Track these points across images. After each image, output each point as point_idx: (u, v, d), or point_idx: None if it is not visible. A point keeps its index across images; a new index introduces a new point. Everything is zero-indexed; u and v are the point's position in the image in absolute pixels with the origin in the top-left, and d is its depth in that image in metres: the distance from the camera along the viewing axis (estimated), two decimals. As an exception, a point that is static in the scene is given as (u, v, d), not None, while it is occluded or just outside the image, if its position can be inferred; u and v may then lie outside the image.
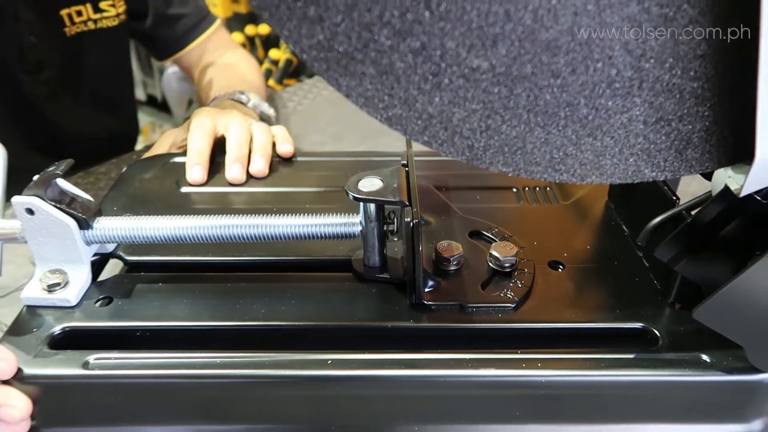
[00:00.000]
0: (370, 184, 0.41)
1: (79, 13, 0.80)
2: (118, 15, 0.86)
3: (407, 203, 0.39)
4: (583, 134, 0.30)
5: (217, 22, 0.98)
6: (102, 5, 0.83)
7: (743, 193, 0.31)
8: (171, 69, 1.75)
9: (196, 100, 1.12)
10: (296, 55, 0.28)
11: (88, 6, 0.81)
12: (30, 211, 0.40)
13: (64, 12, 0.80)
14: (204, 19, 0.96)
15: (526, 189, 0.55)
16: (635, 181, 0.32)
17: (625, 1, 0.27)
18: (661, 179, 0.32)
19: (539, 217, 0.51)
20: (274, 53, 2.06)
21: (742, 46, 0.27)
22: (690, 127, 0.30)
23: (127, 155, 0.79)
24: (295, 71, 2.04)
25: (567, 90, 0.29)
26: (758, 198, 0.33)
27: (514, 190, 0.55)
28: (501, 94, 0.28)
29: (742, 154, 0.30)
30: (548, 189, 0.55)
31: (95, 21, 0.83)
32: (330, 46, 0.27)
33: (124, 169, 0.58)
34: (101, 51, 0.86)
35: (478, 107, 0.29)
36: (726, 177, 0.33)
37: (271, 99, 0.95)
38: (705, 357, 0.37)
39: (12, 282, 0.56)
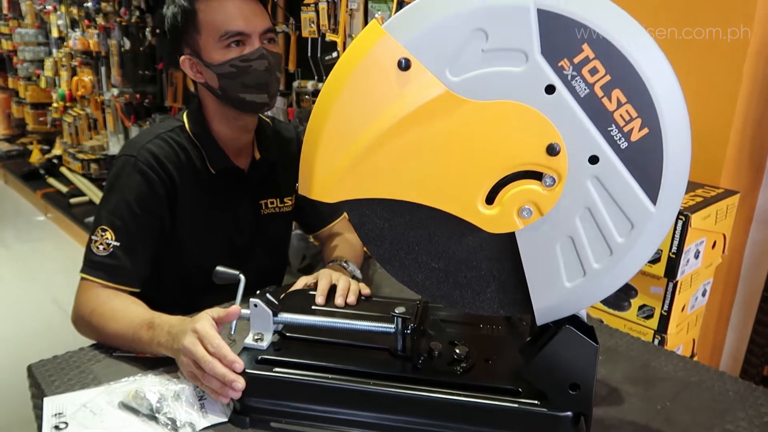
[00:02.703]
0: (401, 310, 0.91)
1: (272, 202, 1.39)
2: (290, 205, 1.42)
3: (412, 320, 0.89)
4: (474, 294, 0.80)
5: (344, 214, 1.52)
6: (285, 200, 1.40)
7: (539, 324, 0.79)
8: (294, 231, 2.39)
9: (308, 255, 1.67)
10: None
11: (277, 199, 1.40)
12: (255, 305, 0.93)
13: (262, 201, 1.38)
14: (336, 212, 1.50)
15: (489, 326, 1.03)
16: (500, 315, 0.81)
17: (479, 256, 0.78)
18: (508, 315, 0.81)
19: (489, 338, 0.99)
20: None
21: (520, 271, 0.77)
22: (516, 296, 0.80)
23: (274, 288, 1.34)
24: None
25: (466, 276, 0.79)
26: (550, 323, 0.80)
27: (481, 326, 1.03)
28: (442, 276, 0.80)
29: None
30: (499, 327, 1.02)
31: (279, 208, 1.40)
32: (382, 254, 0.80)
33: (283, 295, 1.12)
34: (279, 225, 1.42)
35: (434, 281, 0.80)
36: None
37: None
38: (537, 402, 0.82)
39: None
